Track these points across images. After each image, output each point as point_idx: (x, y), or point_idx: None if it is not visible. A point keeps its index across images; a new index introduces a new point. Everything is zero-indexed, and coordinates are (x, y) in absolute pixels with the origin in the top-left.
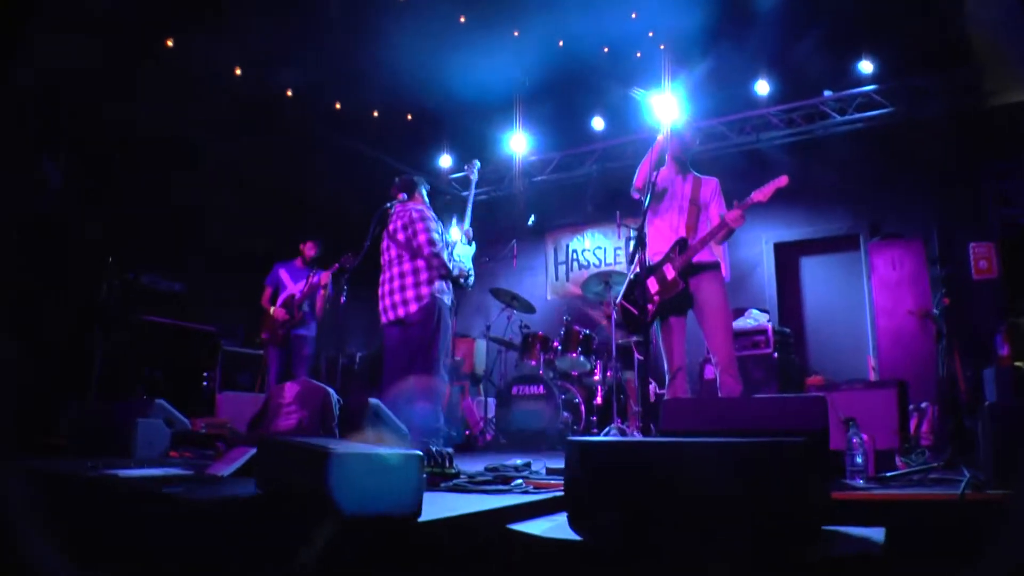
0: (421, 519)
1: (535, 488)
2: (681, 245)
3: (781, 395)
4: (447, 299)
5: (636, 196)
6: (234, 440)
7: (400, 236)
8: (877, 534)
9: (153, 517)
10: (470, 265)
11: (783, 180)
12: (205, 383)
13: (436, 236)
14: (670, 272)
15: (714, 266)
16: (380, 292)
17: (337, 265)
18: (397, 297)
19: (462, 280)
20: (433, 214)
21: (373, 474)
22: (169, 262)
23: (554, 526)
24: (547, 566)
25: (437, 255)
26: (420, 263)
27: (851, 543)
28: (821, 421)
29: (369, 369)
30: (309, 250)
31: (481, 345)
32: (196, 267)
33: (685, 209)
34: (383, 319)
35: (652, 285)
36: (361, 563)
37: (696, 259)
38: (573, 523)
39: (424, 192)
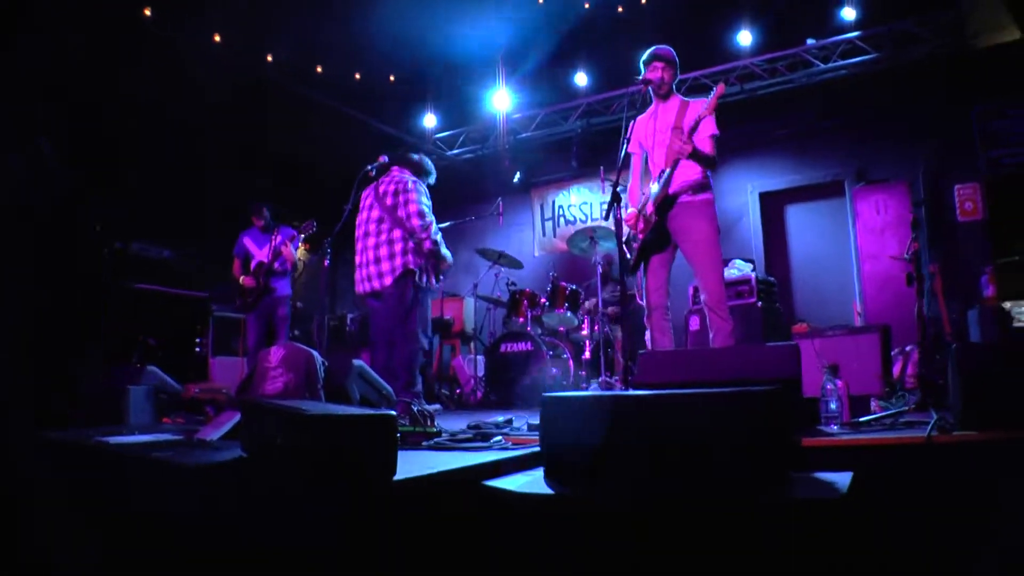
0: (396, 478)
1: (514, 444)
2: (659, 177)
3: (754, 344)
4: (423, 273)
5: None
6: (227, 405)
7: (388, 200)
8: (843, 479)
9: (142, 482)
10: None
11: (720, 88)
12: (198, 349)
13: (426, 209)
14: (650, 207)
15: (697, 187)
16: (358, 260)
17: (296, 231)
18: (373, 269)
19: (443, 265)
20: (425, 188)
21: (345, 434)
22: (157, 229)
23: (530, 481)
24: (521, 521)
25: (426, 227)
26: (398, 233)
27: (813, 487)
28: (792, 369)
29: (360, 331)
30: (257, 221)
31: (469, 303)
32: (184, 233)
33: (666, 140)
34: (359, 288)
35: (639, 225)
36: (336, 522)
37: (674, 187)
38: (548, 477)
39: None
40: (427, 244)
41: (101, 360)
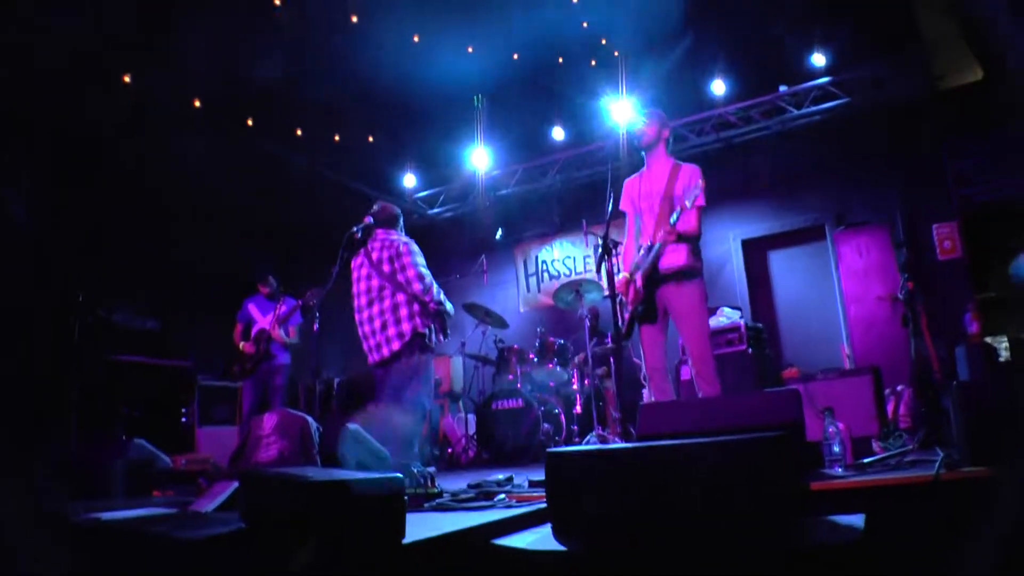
0: (405, 541)
1: (518, 502)
2: (647, 251)
3: (755, 391)
4: (430, 334)
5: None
6: (217, 475)
7: (386, 268)
8: (857, 520)
9: (140, 559)
10: None
11: (702, 182)
12: (184, 419)
13: (424, 270)
14: (639, 280)
15: (685, 273)
16: (362, 331)
17: (301, 302)
18: (380, 337)
19: (447, 317)
20: (417, 247)
21: (353, 499)
22: (141, 298)
23: (539, 538)
24: None
25: (428, 290)
26: (402, 297)
27: (830, 531)
28: (795, 413)
29: (347, 395)
30: (263, 289)
31: (457, 362)
32: (168, 302)
33: (655, 210)
34: (370, 359)
35: (629, 294)
36: None
37: (663, 266)
38: (557, 534)
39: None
40: (432, 306)
41: (72, 430)
